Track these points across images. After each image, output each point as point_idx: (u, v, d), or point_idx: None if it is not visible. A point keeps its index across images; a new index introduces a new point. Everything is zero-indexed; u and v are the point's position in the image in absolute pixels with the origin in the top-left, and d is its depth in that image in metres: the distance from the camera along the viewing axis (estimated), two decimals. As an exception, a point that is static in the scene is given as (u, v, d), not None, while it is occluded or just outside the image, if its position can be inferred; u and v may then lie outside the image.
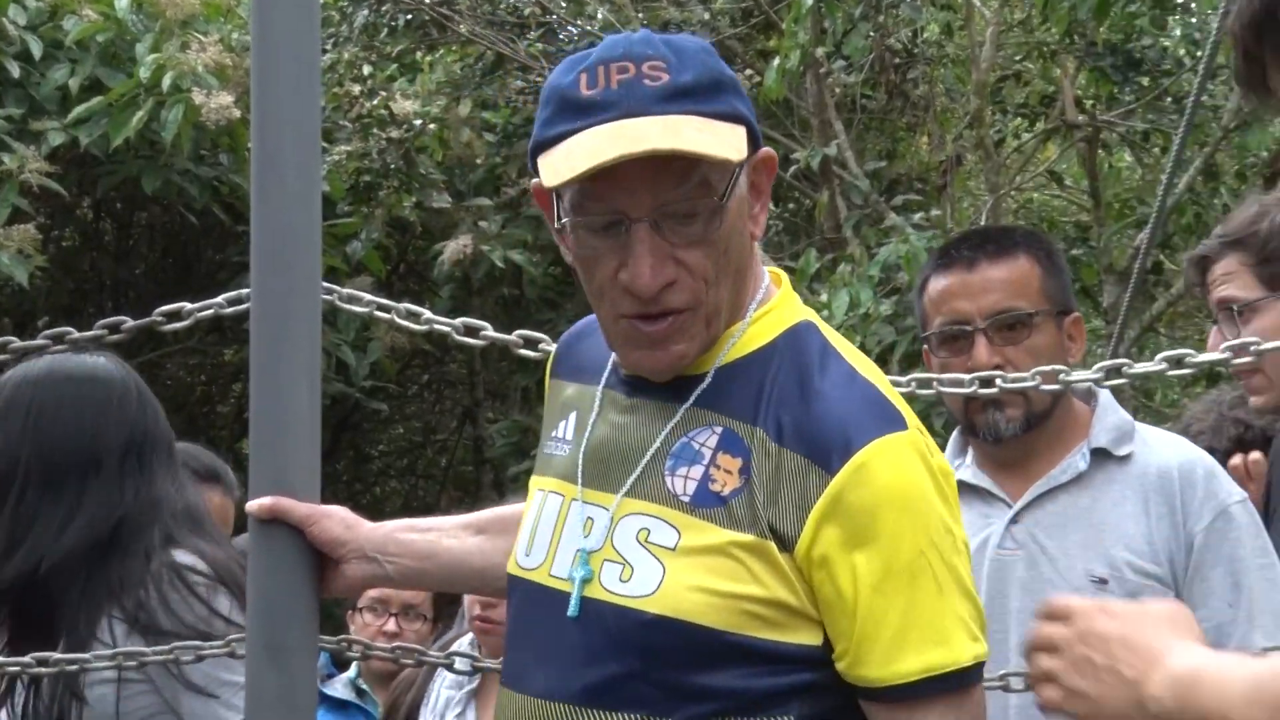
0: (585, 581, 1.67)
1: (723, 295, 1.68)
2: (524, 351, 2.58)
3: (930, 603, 1.61)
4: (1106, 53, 8.41)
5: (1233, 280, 2.58)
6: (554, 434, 1.83)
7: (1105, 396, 2.63)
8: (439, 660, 2.46)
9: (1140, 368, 2.20)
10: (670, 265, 1.64)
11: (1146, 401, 9.62)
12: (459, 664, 2.43)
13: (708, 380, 1.69)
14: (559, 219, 1.71)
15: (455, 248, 7.76)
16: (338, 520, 1.98)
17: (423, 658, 2.39)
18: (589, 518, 1.71)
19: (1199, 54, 6.66)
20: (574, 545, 1.71)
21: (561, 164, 1.63)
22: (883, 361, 5.92)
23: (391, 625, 3.99)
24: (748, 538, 1.62)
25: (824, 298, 6.55)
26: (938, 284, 2.58)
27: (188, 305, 2.27)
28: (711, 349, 1.70)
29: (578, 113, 1.64)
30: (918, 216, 7.34)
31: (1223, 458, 2.99)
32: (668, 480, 1.66)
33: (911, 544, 1.60)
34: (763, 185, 1.71)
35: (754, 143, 1.69)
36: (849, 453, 1.60)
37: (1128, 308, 5.96)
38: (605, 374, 1.79)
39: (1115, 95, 8.85)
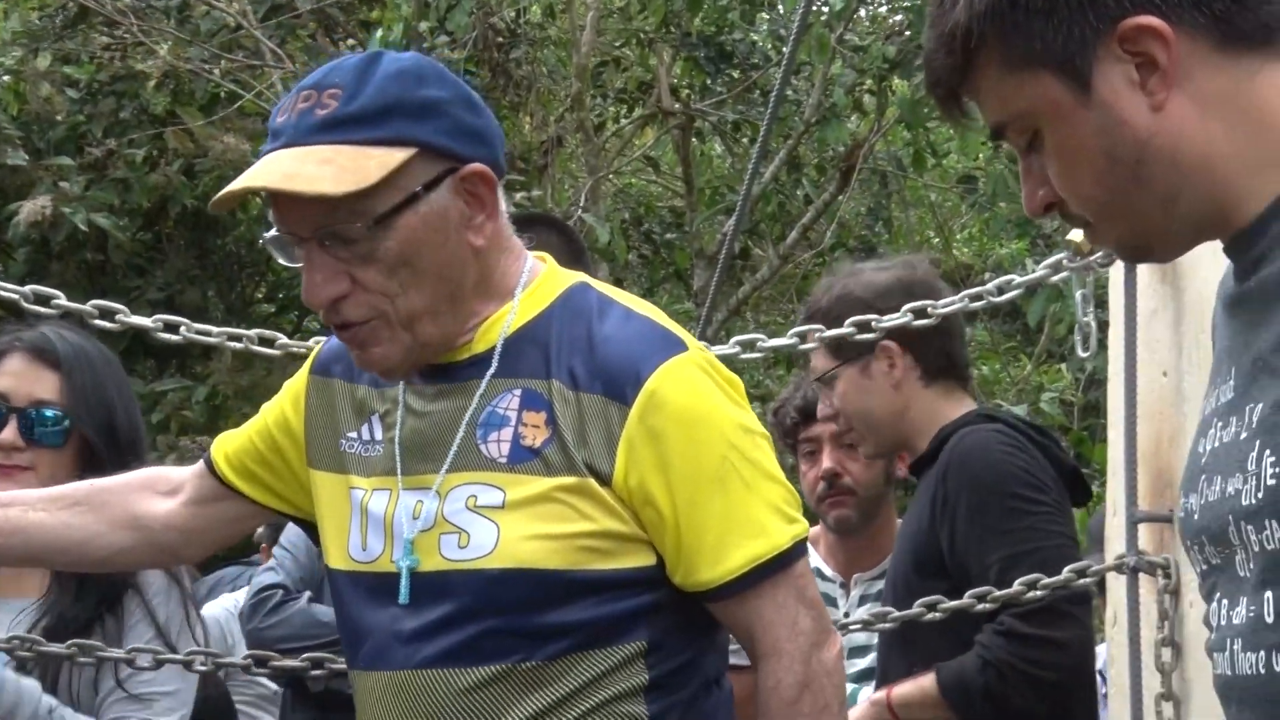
0: (413, 568, 1.80)
1: (416, 302, 1.79)
2: (100, 323, 2.50)
3: (742, 500, 1.79)
4: (700, 44, 8.72)
5: (815, 352, 2.80)
6: (353, 434, 1.92)
7: None
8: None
9: (717, 349, 2.32)
10: (343, 281, 1.78)
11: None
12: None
13: (498, 352, 1.83)
14: None
15: (33, 208, 7.35)
16: None
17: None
18: (418, 501, 1.82)
19: (784, 50, 6.98)
20: (406, 532, 1.82)
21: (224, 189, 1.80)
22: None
23: None
24: (568, 480, 1.77)
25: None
26: None
27: None
28: (492, 327, 1.84)
29: (269, 138, 1.81)
30: (519, 196, 7.42)
31: (791, 426, 3.20)
32: (482, 448, 1.80)
33: (713, 452, 1.77)
34: (483, 196, 1.81)
35: (456, 159, 1.79)
36: (640, 382, 1.76)
37: (715, 291, 6.21)
38: None
39: (708, 86, 9.18)
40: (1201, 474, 1.24)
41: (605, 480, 1.77)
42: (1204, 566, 1.24)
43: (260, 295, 9.80)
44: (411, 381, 1.88)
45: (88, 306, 2.50)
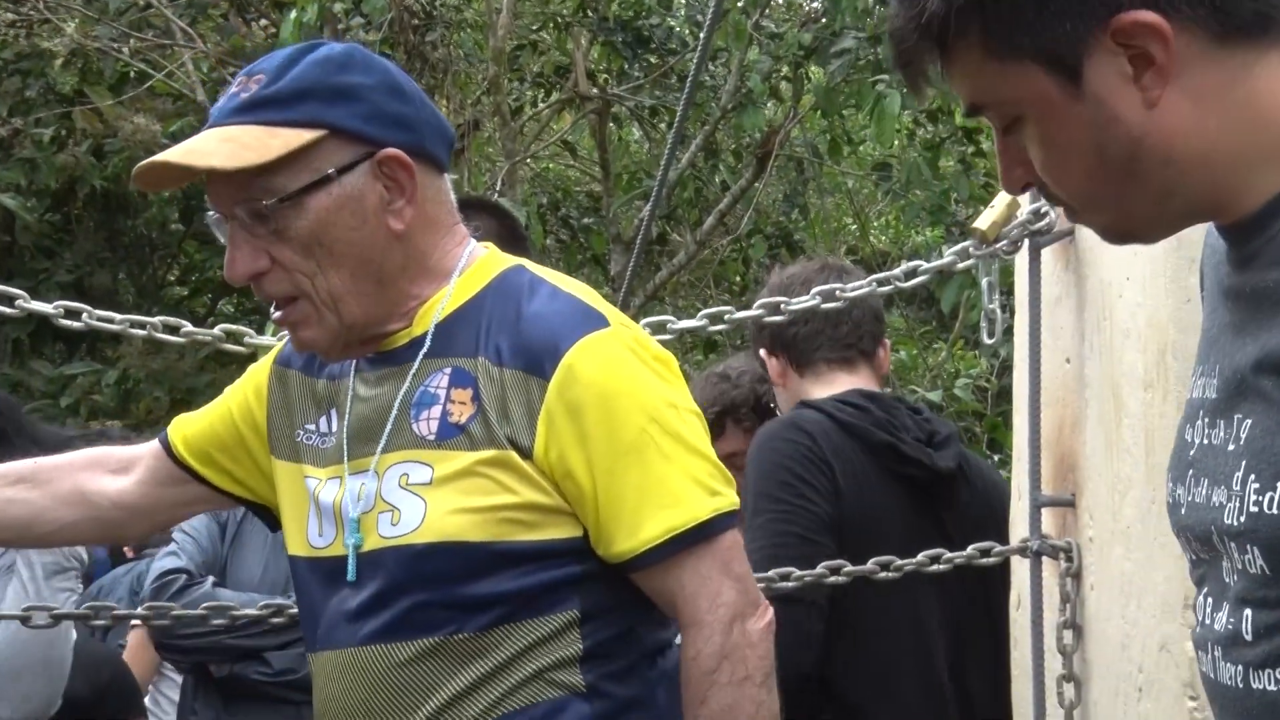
0: (358, 547, 1.86)
1: (335, 283, 1.84)
2: (1, 309, 2.47)
3: (659, 471, 1.81)
4: (617, 28, 8.71)
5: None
6: (310, 426, 1.98)
7: None
8: None
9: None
10: (262, 258, 1.84)
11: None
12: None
13: (430, 334, 1.88)
14: None
15: (-64, 188, 7.21)
16: None
17: None
18: (360, 484, 1.87)
19: (701, 35, 6.98)
20: (351, 512, 1.88)
21: None
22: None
23: None
24: (490, 453, 1.81)
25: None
26: None
27: None
28: (429, 310, 1.89)
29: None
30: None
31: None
32: (414, 427, 1.85)
33: (631, 424, 1.80)
34: (402, 181, 1.85)
35: (372, 144, 1.84)
36: (558, 356, 1.80)
37: (631, 276, 6.21)
38: (354, 362, 1.96)
39: (625, 71, 9.17)
40: (1190, 468, 1.22)
41: (526, 453, 1.80)
42: (1193, 558, 1.24)
43: (172, 278, 9.68)
44: (361, 369, 1.94)
45: (-19, 290, 2.47)
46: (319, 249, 1.83)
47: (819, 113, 8.42)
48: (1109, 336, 2.43)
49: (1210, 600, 1.20)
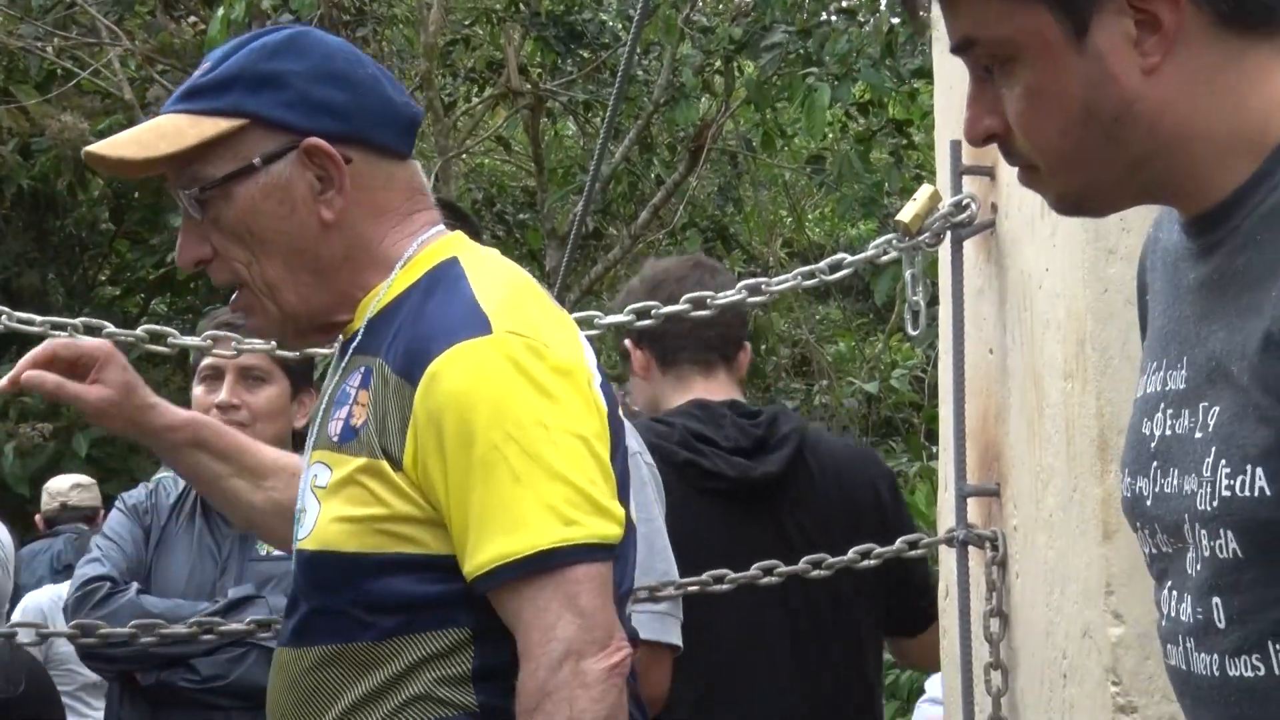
0: (297, 544, 1.84)
1: (269, 272, 1.82)
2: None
3: (504, 493, 1.69)
4: (550, 23, 8.70)
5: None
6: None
7: None
8: None
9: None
10: (204, 246, 1.84)
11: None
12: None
13: (361, 330, 1.83)
14: None
15: None
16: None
17: None
18: (306, 480, 1.85)
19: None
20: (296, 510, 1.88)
21: None
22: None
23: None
24: (364, 461, 1.75)
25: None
26: None
27: None
28: (365, 304, 1.84)
29: None
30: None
31: None
32: (329, 426, 1.81)
33: (484, 440, 1.69)
34: (329, 171, 1.81)
35: (295, 132, 1.81)
36: (426, 363, 1.71)
37: (566, 271, 6.21)
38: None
39: (559, 65, 9.16)
40: (1153, 459, 1.22)
41: (397, 464, 1.73)
42: (1153, 551, 1.23)
43: (104, 278, 9.59)
44: (344, 353, 1.92)
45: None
46: (250, 237, 1.82)
47: (751, 106, 8.45)
48: (1030, 327, 2.45)
49: (1175, 593, 1.20)
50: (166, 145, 1.80)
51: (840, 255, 2.73)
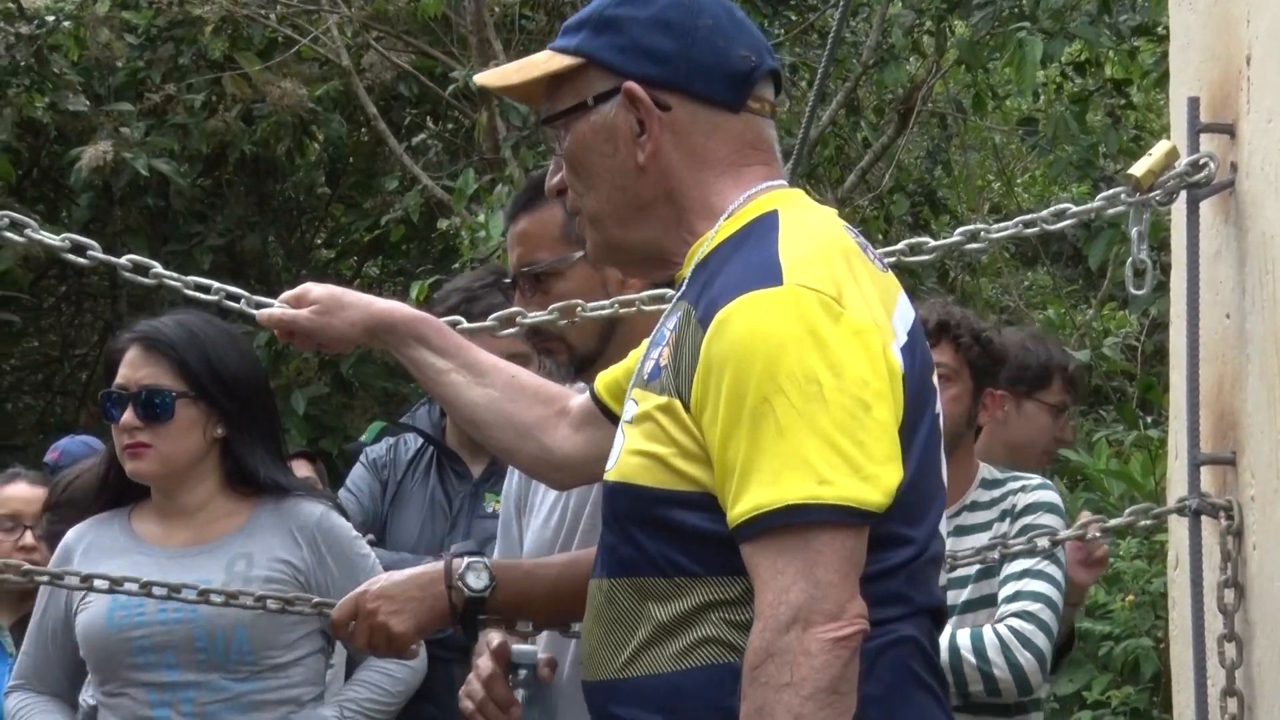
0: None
1: (593, 204, 1.92)
2: (135, 277, 2.53)
3: (767, 446, 1.71)
4: (758, -14, 8.63)
5: None
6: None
7: None
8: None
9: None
10: (561, 173, 1.96)
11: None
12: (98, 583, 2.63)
13: (688, 275, 1.89)
14: None
15: (94, 154, 7.40)
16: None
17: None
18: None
19: (843, -9, 6.90)
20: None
21: None
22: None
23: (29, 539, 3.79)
24: (663, 400, 1.80)
25: (481, 218, 6.55)
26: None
27: None
28: (693, 252, 1.90)
29: None
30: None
31: None
32: (645, 364, 1.88)
33: (756, 392, 1.72)
34: (641, 115, 1.88)
35: (620, 75, 1.89)
36: (716, 310, 1.76)
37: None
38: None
39: (765, 29, 9.10)
40: None
41: (687, 405, 1.78)
42: None
43: (320, 241, 9.85)
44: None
45: (123, 260, 2.54)
46: (582, 170, 1.92)
47: (963, 67, 8.29)
48: (1272, 291, 2.37)
49: None
50: (517, 76, 1.95)
51: (1064, 205, 2.66)
